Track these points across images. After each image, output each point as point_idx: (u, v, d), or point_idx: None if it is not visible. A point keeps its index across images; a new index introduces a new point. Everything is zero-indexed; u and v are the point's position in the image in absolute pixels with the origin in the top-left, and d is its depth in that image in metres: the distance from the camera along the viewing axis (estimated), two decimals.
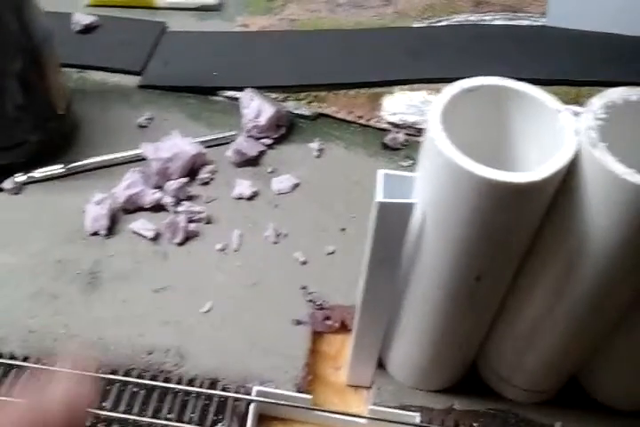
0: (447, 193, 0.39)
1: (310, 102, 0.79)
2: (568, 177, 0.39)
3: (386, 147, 0.76)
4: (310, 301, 0.62)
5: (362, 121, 0.79)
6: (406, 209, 0.41)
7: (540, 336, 0.50)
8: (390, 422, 0.54)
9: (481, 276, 0.43)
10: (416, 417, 0.54)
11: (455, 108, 0.40)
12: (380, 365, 0.58)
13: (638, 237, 0.38)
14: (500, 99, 0.42)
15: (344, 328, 0.62)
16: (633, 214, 0.37)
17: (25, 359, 0.54)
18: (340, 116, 0.79)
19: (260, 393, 0.54)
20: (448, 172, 0.38)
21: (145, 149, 0.68)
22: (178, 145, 0.68)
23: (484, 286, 0.44)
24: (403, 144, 0.77)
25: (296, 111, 0.78)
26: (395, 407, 0.55)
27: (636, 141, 0.40)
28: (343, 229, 0.67)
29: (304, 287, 0.62)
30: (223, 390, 0.54)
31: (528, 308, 0.49)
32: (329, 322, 0.62)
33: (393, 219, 0.41)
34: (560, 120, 0.39)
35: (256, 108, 0.74)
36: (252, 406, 0.53)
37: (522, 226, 0.40)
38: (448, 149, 0.37)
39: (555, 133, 0.39)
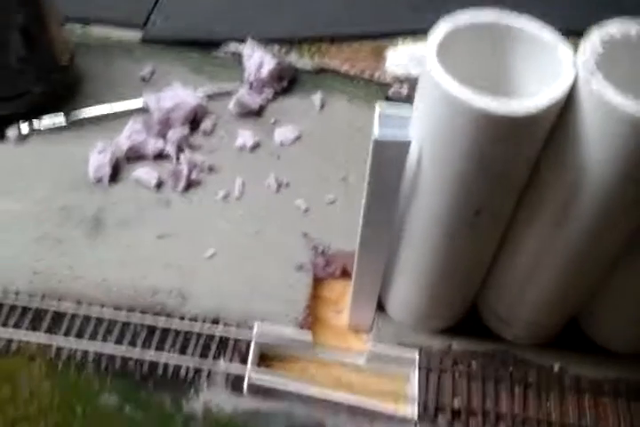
0: (444, 127, 0.39)
1: (313, 55, 0.79)
2: (565, 110, 0.39)
3: (389, 100, 0.76)
4: (312, 247, 0.62)
5: (365, 75, 0.78)
6: (403, 147, 0.41)
7: (538, 273, 0.50)
8: (389, 360, 0.55)
9: (480, 210, 0.43)
10: (415, 356, 0.55)
11: (453, 43, 0.39)
12: (381, 307, 0.58)
13: (635, 168, 0.38)
14: (498, 34, 0.41)
15: (345, 274, 0.63)
16: (629, 146, 0.37)
17: (30, 298, 0.56)
18: (343, 69, 0.79)
19: (261, 331, 0.55)
20: (445, 104, 0.38)
21: (147, 99, 0.68)
22: (179, 95, 0.69)
23: (483, 220, 0.44)
24: (406, 98, 0.76)
25: (298, 64, 0.78)
26: (394, 346, 0.56)
27: (634, 74, 0.40)
28: (344, 179, 0.68)
29: (305, 234, 0.63)
30: (225, 327, 0.55)
31: (527, 244, 0.49)
32: (330, 268, 0.63)
33: (390, 157, 0.41)
34: (558, 53, 0.39)
35: (258, 60, 0.73)
36: (252, 345, 0.54)
37: (520, 158, 0.40)
38: (444, 80, 0.37)
39: (553, 67, 0.39)
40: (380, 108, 0.41)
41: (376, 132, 0.40)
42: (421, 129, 0.41)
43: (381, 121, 0.41)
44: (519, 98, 0.37)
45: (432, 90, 0.39)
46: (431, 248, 0.49)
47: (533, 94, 0.37)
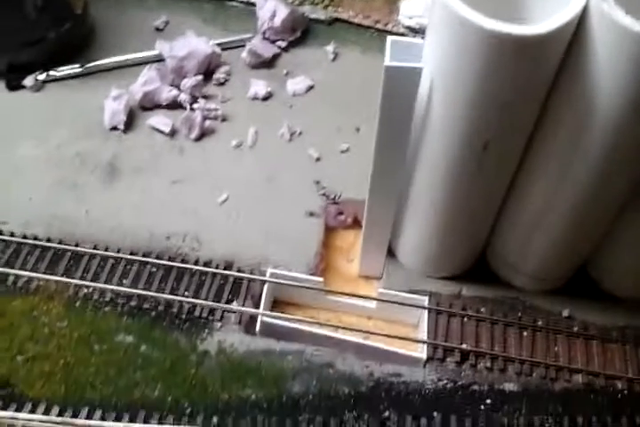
0: (455, 52, 0.39)
1: (326, 6, 0.78)
2: (577, 35, 0.38)
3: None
4: (323, 195, 0.63)
5: (378, 26, 0.78)
6: (414, 73, 0.41)
7: (546, 219, 0.50)
8: (399, 304, 0.56)
9: (488, 143, 0.43)
10: (424, 301, 0.56)
11: None
12: (391, 253, 0.59)
13: None
14: None
15: (357, 224, 0.63)
16: None
17: (48, 241, 0.57)
18: (356, 21, 0.78)
19: (273, 275, 0.56)
20: (455, 27, 0.38)
21: (160, 48, 0.68)
22: (193, 44, 0.69)
23: (491, 155, 0.44)
24: None
25: (312, 15, 0.77)
26: (404, 292, 0.56)
27: None
28: (357, 129, 0.68)
29: (317, 182, 0.63)
30: (238, 271, 0.56)
31: (535, 188, 0.49)
32: (342, 217, 0.64)
33: (401, 84, 0.41)
34: None
35: (271, 9, 0.73)
36: (265, 287, 0.55)
37: (529, 85, 0.40)
38: (455, 3, 0.37)
39: None
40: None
41: (388, 58, 0.40)
42: (433, 56, 0.41)
43: (393, 48, 0.41)
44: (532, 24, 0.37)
45: (443, 14, 0.38)
46: (440, 189, 0.49)
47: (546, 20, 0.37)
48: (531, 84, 0.39)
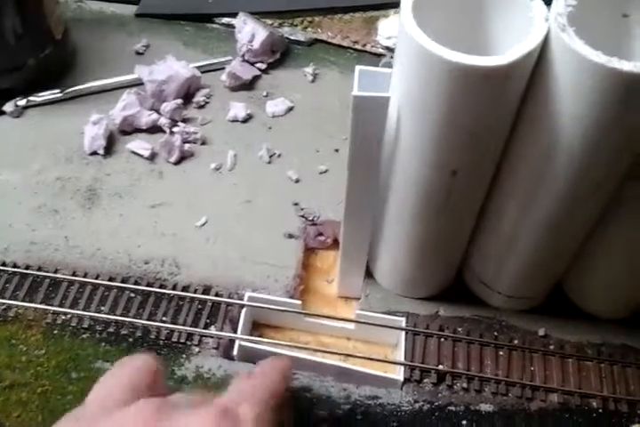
0: (419, 83, 0.40)
1: (305, 28, 0.79)
2: (539, 66, 0.39)
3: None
4: (303, 216, 0.63)
5: (357, 46, 0.79)
6: (382, 102, 0.42)
7: (519, 239, 0.51)
8: (377, 325, 0.56)
9: (457, 170, 0.44)
10: (402, 322, 0.56)
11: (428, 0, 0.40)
12: (369, 274, 0.60)
13: (609, 120, 0.39)
14: None
15: (336, 245, 0.64)
16: (602, 97, 0.37)
17: (27, 268, 0.57)
18: (335, 41, 0.79)
19: (252, 299, 0.57)
20: (419, 59, 0.38)
21: (140, 72, 0.69)
22: (172, 68, 0.69)
23: (460, 181, 0.45)
24: None
25: (291, 37, 0.78)
26: (382, 313, 0.57)
27: (606, 27, 0.40)
28: (337, 150, 0.69)
29: (296, 204, 0.64)
30: (216, 296, 0.56)
31: (506, 210, 0.50)
32: (322, 238, 0.64)
33: (369, 113, 0.42)
34: (532, 8, 0.39)
35: (250, 32, 0.74)
36: (244, 311, 0.56)
37: (494, 115, 0.41)
38: (418, 35, 0.38)
39: (526, 22, 0.39)
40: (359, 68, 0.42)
41: (356, 87, 0.41)
42: (399, 86, 0.42)
43: (361, 77, 0.42)
44: (495, 53, 0.38)
45: (407, 45, 0.39)
46: (413, 213, 0.50)
47: (508, 49, 0.38)
48: (495, 114, 0.40)
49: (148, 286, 0.56)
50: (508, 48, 0.38)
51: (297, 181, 0.66)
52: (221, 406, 0.36)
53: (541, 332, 0.57)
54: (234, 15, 0.78)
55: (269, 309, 0.56)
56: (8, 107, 0.68)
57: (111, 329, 0.54)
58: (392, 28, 0.78)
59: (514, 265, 0.54)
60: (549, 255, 0.52)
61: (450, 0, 0.42)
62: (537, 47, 0.38)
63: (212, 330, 0.54)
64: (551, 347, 0.56)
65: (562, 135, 0.41)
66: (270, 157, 0.67)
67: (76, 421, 0.36)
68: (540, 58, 0.39)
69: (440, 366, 0.54)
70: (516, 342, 0.56)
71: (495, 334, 0.56)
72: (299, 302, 0.57)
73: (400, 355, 0.55)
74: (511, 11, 0.42)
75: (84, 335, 0.53)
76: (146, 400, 0.35)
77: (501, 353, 0.55)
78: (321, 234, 0.64)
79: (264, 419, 0.37)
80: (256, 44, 0.73)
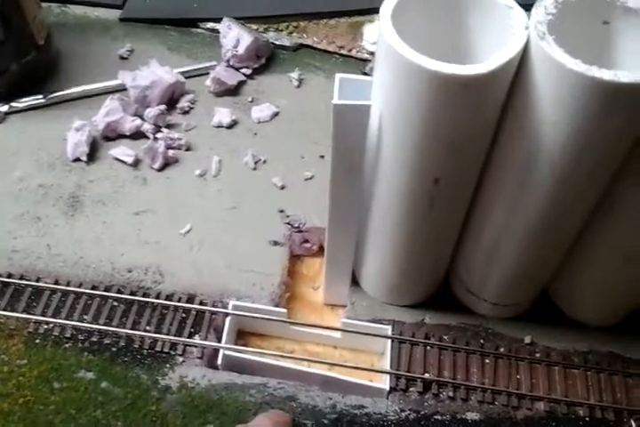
0: (399, 91, 0.39)
1: (291, 33, 0.79)
2: (518, 74, 0.39)
3: (366, 76, 0.76)
4: (288, 223, 0.63)
5: (343, 51, 0.78)
6: (362, 111, 0.41)
7: (503, 246, 0.51)
8: (363, 334, 0.56)
9: (439, 178, 0.44)
10: (388, 330, 0.56)
11: (407, 8, 0.40)
12: (356, 282, 0.59)
13: (590, 128, 0.39)
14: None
15: (322, 252, 0.63)
16: (582, 106, 0.37)
17: (9, 276, 0.56)
18: (320, 46, 0.79)
19: (236, 307, 0.56)
20: (399, 68, 0.38)
21: (123, 78, 0.68)
22: (156, 73, 0.69)
23: (443, 189, 0.45)
24: None
25: (277, 42, 0.78)
26: (368, 321, 0.57)
27: (586, 35, 0.40)
28: (322, 157, 0.68)
29: (282, 211, 0.63)
30: (200, 304, 0.56)
31: (490, 217, 0.49)
32: (307, 245, 0.64)
33: (351, 122, 0.42)
34: (511, 16, 0.39)
35: (234, 37, 0.73)
36: (228, 320, 0.55)
37: (474, 124, 0.41)
38: (397, 44, 0.37)
39: (506, 30, 0.39)
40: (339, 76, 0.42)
41: (336, 96, 0.41)
42: (380, 94, 0.42)
43: (341, 86, 0.41)
44: (476, 62, 0.38)
45: (387, 53, 0.39)
46: (396, 221, 0.49)
47: (489, 57, 0.38)
48: (476, 123, 0.40)
49: (131, 294, 0.56)
50: (488, 56, 0.38)
51: (282, 187, 0.65)
52: None
53: (527, 339, 0.57)
54: (219, 20, 0.77)
55: (254, 317, 0.55)
56: None
57: (94, 338, 0.53)
58: (377, 34, 0.77)
59: (498, 273, 0.54)
60: (534, 263, 0.52)
61: (429, 8, 0.42)
62: (517, 55, 0.38)
63: (197, 339, 0.54)
64: (537, 355, 0.56)
65: (543, 143, 0.41)
66: (255, 163, 0.67)
67: None
68: (519, 66, 0.39)
69: (426, 375, 0.54)
70: (502, 349, 0.56)
71: (481, 341, 0.56)
72: (284, 310, 0.56)
73: (386, 363, 0.54)
74: (491, 18, 0.41)
75: (67, 345, 0.53)
76: None
77: (487, 361, 0.55)
78: (307, 241, 0.64)
79: None
80: (241, 50, 0.73)
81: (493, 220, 0.49)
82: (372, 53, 0.77)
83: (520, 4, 0.40)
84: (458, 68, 0.37)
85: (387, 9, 0.39)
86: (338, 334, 0.58)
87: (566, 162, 0.42)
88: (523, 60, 0.39)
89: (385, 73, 0.41)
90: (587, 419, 0.52)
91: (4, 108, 0.68)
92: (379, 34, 0.39)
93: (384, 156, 0.45)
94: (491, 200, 0.48)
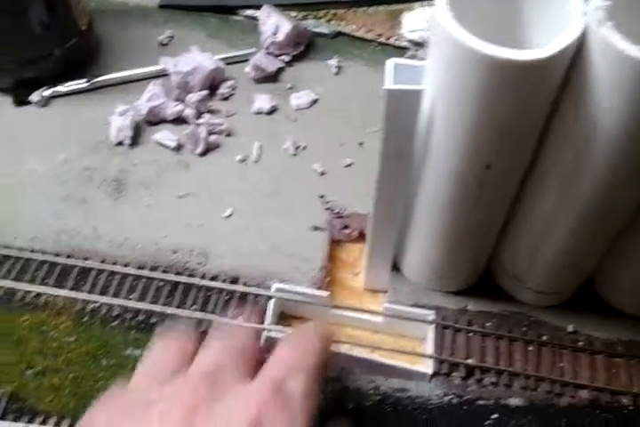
0: (454, 76, 0.39)
1: (329, 20, 0.79)
2: (575, 59, 0.39)
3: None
4: (328, 209, 0.63)
5: (381, 39, 0.78)
6: (415, 96, 0.41)
7: (552, 233, 0.51)
8: (405, 319, 0.56)
9: (490, 164, 0.43)
10: (431, 315, 0.56)
11: None
12: (397, 268, 0.59)
13: None
14: None
15: (362, 237, 0.64)
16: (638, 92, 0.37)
17: (56, 255, 0.57)
18: (359, 34, 0.79)
19: (279, 290, 0.56)
20: (455, 52, 0.38)
21: (165, 63, 0.69)
22: (197, 59, 0.69)
23: (494, 175, 0.45)
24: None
25: (315, 29, 0.78)
26: (410, 306, 0.57)
27: None
28: (361, 144, 0.68)
29: (322, 196, 0.64)
30: (244, 286, 0.56)
31: (539, 203, 0.49)
32: (347, 230, 0.64)
33: (402, 107, 0.42)
34: (568, 2, 0.39)
35: (274, 24, 0.74)
36: (271, 302, 0.56)
37: (529, 110, 0.40)
38: (454, 28, 0.37)
39: (563, 16, 0.39)
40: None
41: (388, 81, 0.41)
42: (433, 79, 0.41)
43: (393, 70, 0.41)
44: (530, 48, 0.38)
45: (442, 39, 0.39)
46: (444, 206, 0.49)
47: (544, 44, 0.37)
48: (531, 108, 0.39)
49: (176, 275, 0.56)
50: (542, 42, 0.38)
51: (322, 173, 0.65)
52: (274, 382, 0.35)
53: (570, 328, 0.56)
54: (257, 7, 0.78)
55: (297, 301, 0.55)
56: (34, 96, 0.68)
57: (140, 317, 0.54)
58: (416, 22, 0.77)
59: (544, 260, 0.53)
60: (582, 250, 0.51)
61: None
62: (574, 42, 0.38)
63: (240, 320, 0.54)
64: (580, 343, 0.55)
65: (598, 129, 0.41)
66: (296, 149, 0.67)
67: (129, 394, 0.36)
68: (576, 52, 0.39)
69: (469, 360, 0.53)
70: (544, 337, 0.55)
71: (524, 329, 0.56)
72: (326, 293, 0.57)
73: (429, 348, 0.54)
74: (547, 4, 0.41)
75: (114, 323, 0.53)
76: (200, 373, 0.35)
77: (531, 348, 0.55)
78: (347, 227, 0.64)
79: (312, 393, 0.37)
80: (280, 37, 0.73)
81: (543, 206, 0.49)
82: (410, 42, 0.77)
83: None
84: (516, 53, 0.37)
85: None
86: (379, 319, 0.58)
87: (621, 147, 0.41)
88: (580, 46, 0.39)
89: (439, 58, 0.40)
90: (630, 408, 0.52)
91: (48, 91, 0.69)
92: (433, 18, 0.39)
93: (434, 141, 0.45)
94: (541, 186, 0.48)
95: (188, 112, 0.67)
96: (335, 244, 0.64)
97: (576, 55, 0.39)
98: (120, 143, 0.65)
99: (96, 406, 0.37)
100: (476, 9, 0.42)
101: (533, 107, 0.40)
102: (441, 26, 0.38)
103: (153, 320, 0.54)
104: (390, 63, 0.42)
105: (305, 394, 0.36)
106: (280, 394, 0.35)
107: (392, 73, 0.42)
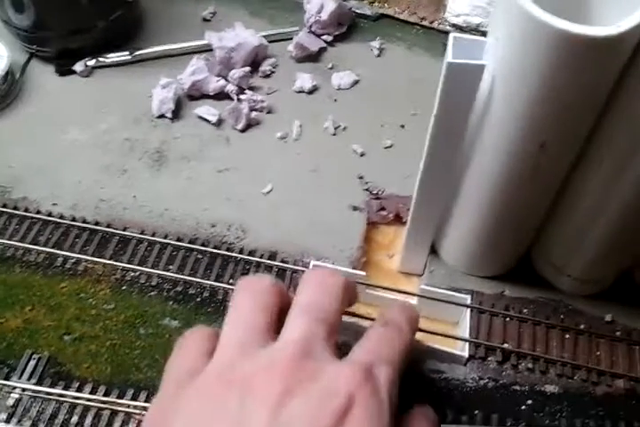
0: (521, 50, 0.39)
1: (372, 2, 0.78)
2: None
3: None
4: (366, 190, 0.63)
5: (424, 23, 0.78)
6: (476, 71, 0.41)
7: (598, 220, 0.50)
8: (442, 301, 0.56)
9: (546, 143, 0.43)
10: (467, 299, 0.56)
11: None
12: (434, 251, 0.59)
13: None
14: None
15: (398, 220, 0.63)
16: None
17: (97, 224, 0.57)
18: (402, 17, 0.78)
19: (317, 267, 0.56)
20: (523, 26, 0.37)
21: (209, 38, 0.69)
22: (241, 36, 0.69)
23: (548, 154, 0.44)
24: None
25: (358, 10, 0.77)
26: (446, 289, 0.56)
27: None
28: (402, 126, 0.68)
29: (361, 177, 0.63)
30: (282, 262, 0.56)
31: (589, 190, 0.49)
32: (384, 212, 0.64)
33: (462, 82, 0.41)
34: None
35: (318, 2, 0.73)
36: None
37: (593, 87, 0.40)
38: (526, 2, 0.37)
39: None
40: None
41: (450, 54, 0.40)
42: (496, 53, 0.41)
43: (455, 44, 0.41)
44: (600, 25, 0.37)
45: (510, 11, 0.38)
46: (492, 188, 0.49)
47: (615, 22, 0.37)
48: (595, 85, 0.39)
49: (215, 248, 0.56)
50: (611, 20, 0.37)
51: (362, 154, 0.65)
52: (364, 367, 0.35)
53: (608, 318, 0.56)
54: None
55: None
56: (78, 66, 0.68)
57: (179, 288, 0.54)
58: (461, 6, 0.76)
59: (588, 248, 0.53)
60: (627, 237, 0.51)
61: None
62: None
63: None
64: (618, 333, 0.55)
65: None
66: (335, 128, 0.67)
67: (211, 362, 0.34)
68: None
69: (505, 345, 0.53)
70: (582, 326, 0.55)
71: (561, 317, 0.55)
72: (363, 273, 0.56)
73: (464, 332, 0.54)
74: None
75: (152, 293, 0.54)
76: (292, 342, 0.34)
77: (567, 336, 0.54)
78: (383, 208, 0.64)
79: (397, 379, 0.36)
80: (324, 16, 0.73)
81: (592, 189, 0.48)
82: (454, 26, 0.77)
83: None
84: (589, 28, 0.36)
85: None
86: (414, 301, 0.57)
87: None
88: None
89: (506, 33, 0.40)
90: None
91: (92, 62, 0.69)
92: None
93: (491, 119, 0.44)
94: (592, 169, 0.47)
95: (230, 88, 0.67)
96: (371, 226, 0.63)
97: None
98: (162, 116, 0.65)
99: (180, 383, 0.35)
100: None
101: (597, 84, 0.40)
102: (512, 0, 0.38)
103: (191, 291, 0.54)
104: (451, 37, 0.42)
105: (391, 380, 0.35)
106: (370, 380, 0.34)
107: (452, 47, 0.42)
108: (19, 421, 0.47)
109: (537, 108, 0.41)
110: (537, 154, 0.44)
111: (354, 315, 0.53)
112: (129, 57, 0.70)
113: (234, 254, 0.56)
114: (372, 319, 0.54)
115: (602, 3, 0.42)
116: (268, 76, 0.71)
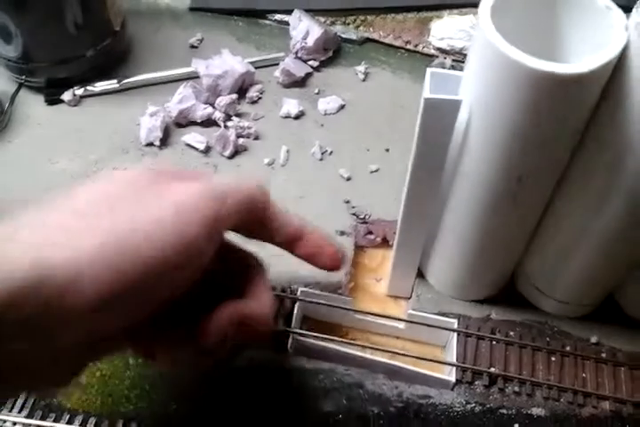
0: (495, 87, 0.40)
1: (358, 26, 0.80)
2: (615, 74, 0.39)
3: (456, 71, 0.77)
4: (353, 214, 0.64)
5: (409, 46, 0.79)
6: (452, 106, 0.42)
7: (581, 248, 0.51)
8: (429, 326, 0.56)
9: (523, 176, 0.44)
10: (454, 323, 0.56)
11: (506, 6, 0.40)
12: (421, 275, 0.60)
13: None
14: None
15: (385, 243, 0.64)
16: None
17: None
18: (387, 41, 0.79)
19: (304, 294, 0.57)
20: (496, 63, 0.38)
21: (196, 66, 0.69)
22: (228, 63, 0.70)
23: (525, 187, 0.45)
24: (450, 69, 0.76)
25: (344, 35, 0.78)
26: (433, 314, 0.57)
27: None
28: (387, 150, 0.69)
29: (348, 201, 0.64)
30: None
31: (569, 218, 0.49)
32: (371, 236, 0.64)
33: (439, 116, 0.42)
34: (610, 17, 0.39)
35: (304, 29, 0.74)
36: (297, 305, 0.56)
37: (567, 122, 0.41)
38: (497, 39, 0.38)
39: (605, 30, 0.39)
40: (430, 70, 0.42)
41: (427, 90, 0.41)
42: (471, 90, 0.42)
43: (432, 80, 0.42)
44: (571, 61, 0.38)
45: (483, 49, 0.39)
46: (473, 217, 0.50)
47: (585, 57, 0.38)
48: (569, 121, 0.40)
49: None
50: (582, 56, 0.38)
51: (348, 179, 0.66)
52: (217, 190, 0.35)
53: (594, 339, 0.56)
54: (286, 12, 0.78)
55: (323, 304, 0.56)
56: (66, 95, 0.69)
57: None
58: (445, 30, 0.78)
59: (569, 272, 0.54)
60: (608, 265, 0.51)
61: (525, 6, 0.42)
62: (616, 56, 0.38)
63: None
64: (603, 355, 0.55)
65: (633, 145, 0.41)
66: (322, 154, 0.68)
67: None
68: (616, 66, 0.39)
69: (492, 369, 0.54)
70: (568, 348, 0.55)
71: (547, 339, 0.56)
72: (350, 298, 0.57)
73: (451, 356, 0.55)
74: (588, 18, 0.41)
75: None
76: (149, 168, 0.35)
77: (553, 359, 0.55)
78: (371, 232, 0.64)
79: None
80: (310, 42, 0.74)
81: (573, 220, 0.49)
82: (438, 49, 0.78)
83: (618, 5, 0.40)
84: (559, 66, 0.37)
85: (486, 4, 0.39)
86: (401, 325, 0.58)
87: None
88: (620, 62, 0.39)
89: (479, 68, 0.41)
90: None
91: (80, 91, 0.70)
92: (476, 30, 0.40)
93: (468, 152, 0.45)
94: (572, 200, 0.48)
95: (217, 115, 0.68)
96: (358, 249, 0.64)
97: (615, 69, 0.39)
98: (150, 144, 0.66)
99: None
100: (514, 21, 0.42)
101: (571, 119, 0.41)
102: (483, 37, 0.39)
103: None
104: (428, 72, 0.43)
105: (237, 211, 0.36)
106: (217, 201, 0.34)
107: (430, 82, 0.43)
108: None
109: (512, 143, 0.42)
110: (514, 187, 0.45)
111: (339, 340, 0.54)
112: (117, 85, 0.70)
113: None
114: (359, 345, 0.55)
115: (573, 38, 0.43)
116: (254, 102, 0.72)
